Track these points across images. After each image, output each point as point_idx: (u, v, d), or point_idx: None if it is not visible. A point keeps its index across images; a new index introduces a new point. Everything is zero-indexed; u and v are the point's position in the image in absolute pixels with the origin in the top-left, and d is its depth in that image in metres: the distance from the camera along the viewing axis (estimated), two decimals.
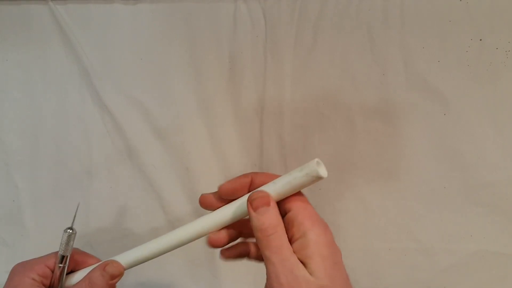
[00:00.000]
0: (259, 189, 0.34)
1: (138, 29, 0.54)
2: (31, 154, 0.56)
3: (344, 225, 0.54)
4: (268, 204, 0.32)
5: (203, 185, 0.56)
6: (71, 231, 0.37)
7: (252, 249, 0.39)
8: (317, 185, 0.54)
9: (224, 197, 0.36)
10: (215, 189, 0.37)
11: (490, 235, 0.52)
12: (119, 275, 0.36)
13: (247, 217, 0.34)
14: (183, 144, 0.55)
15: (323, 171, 0.32)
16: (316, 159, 0.32)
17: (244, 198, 0.34)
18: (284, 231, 0.32)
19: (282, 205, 0.34)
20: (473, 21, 0.48)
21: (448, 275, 0.53)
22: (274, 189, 0.33)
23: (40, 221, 0.57)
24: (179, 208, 0.57)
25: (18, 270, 0.37)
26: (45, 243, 0.57)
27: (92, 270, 0.37)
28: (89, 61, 0.54)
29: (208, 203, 0.37)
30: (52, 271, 0.38)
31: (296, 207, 0.33)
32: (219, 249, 0.38)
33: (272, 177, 0.34)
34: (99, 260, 0.39)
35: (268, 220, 0.31)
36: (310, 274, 0.30)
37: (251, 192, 0.33)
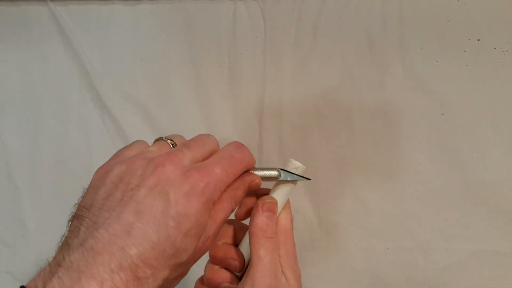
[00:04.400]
0: (270, 196, 0.36)
1: (138, 29, 0.54)
2: (31, 154, 0.56)
3: (343, 224, 0.55)
4: (274, 212, 0.35)
5: None
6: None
7: None
8: (316, 184, 0.54)
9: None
10: None
11: (488, 234, 0.52)
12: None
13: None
14: None
15: (298, 164, 0.35)
16: (290, 163, 0.35)
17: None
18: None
19: None
20: (471, 21, 0.49)
21: (447, 274, 0.53)
22: (279, 198, 0.36)
23: (40, 221, 0.57)
24: None
25: None
26: (45, 243, 0.57)
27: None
28: (89, 61, 0.54)
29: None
30: None
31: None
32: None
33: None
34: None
35: (272, 224, 0.34)
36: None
37: (263, 196, 0.36)
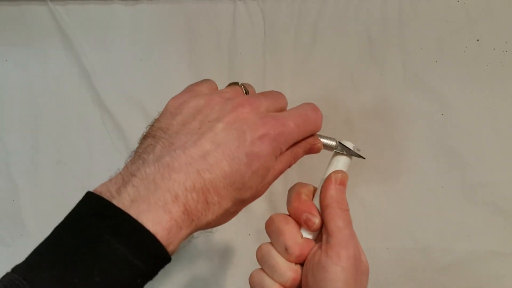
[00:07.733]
0: (341, 170, 0.36)
1: (138, 29, 0.54)
2: (31, 154, 0.56)
3: None
4: (345, 186, 0.35)
5: None
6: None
7: None
8: (316, 184, 0.54)
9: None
10: None
11: (488, 234, 0.52)
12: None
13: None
14: None
15: (350, 144, 0.37)
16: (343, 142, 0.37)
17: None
18: None
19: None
20: (471, 21, 0.49)
21: (446, 274, 0.53)
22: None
23: (40, 221, 0.57)
24: None
25: None
26: None
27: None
28: (89, 61, 0.54)
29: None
30: None
31: None
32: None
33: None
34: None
35: (344, 197, 0.34)
36: None
37: (335, 170, 0.36)
